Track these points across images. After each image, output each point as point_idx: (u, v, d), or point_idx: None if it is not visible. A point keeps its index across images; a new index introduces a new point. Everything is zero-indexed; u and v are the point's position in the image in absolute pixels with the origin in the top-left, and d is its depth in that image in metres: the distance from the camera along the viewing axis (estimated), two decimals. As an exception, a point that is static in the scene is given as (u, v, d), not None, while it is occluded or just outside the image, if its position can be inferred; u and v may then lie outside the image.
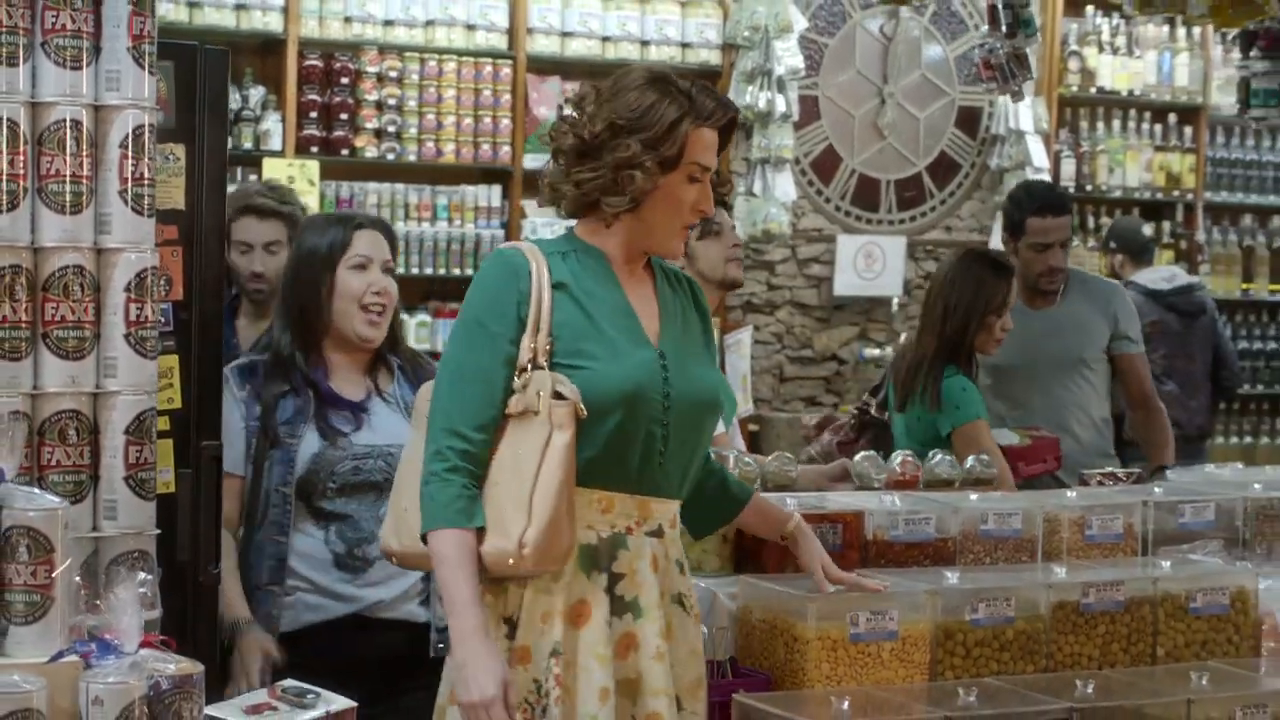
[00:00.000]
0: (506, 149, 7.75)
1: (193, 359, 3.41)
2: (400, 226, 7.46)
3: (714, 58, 8.18)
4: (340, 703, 3.09)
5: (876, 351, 8.87)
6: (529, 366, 3.18)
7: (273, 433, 3.97)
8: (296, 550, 3.96)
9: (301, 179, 7.15)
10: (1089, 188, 9.25)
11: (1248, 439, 9.96)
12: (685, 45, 8.13)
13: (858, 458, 4.60)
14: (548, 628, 3.19)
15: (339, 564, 3.97)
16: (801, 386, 8.84)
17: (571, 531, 3.18)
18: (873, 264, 8.75)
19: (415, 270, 7.52)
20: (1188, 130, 9.56)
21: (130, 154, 3.04)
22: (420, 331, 7.47)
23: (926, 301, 5.42)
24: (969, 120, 9.04)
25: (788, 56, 8.15)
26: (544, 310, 3.21)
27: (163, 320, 3.30)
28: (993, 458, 4.91)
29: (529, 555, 3.14)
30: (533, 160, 7.80)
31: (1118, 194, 9.30)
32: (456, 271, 7.58)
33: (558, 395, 3.16)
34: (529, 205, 7.84)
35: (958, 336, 5.23)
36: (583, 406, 3.16)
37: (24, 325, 2.98)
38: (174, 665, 2.83)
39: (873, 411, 5.42)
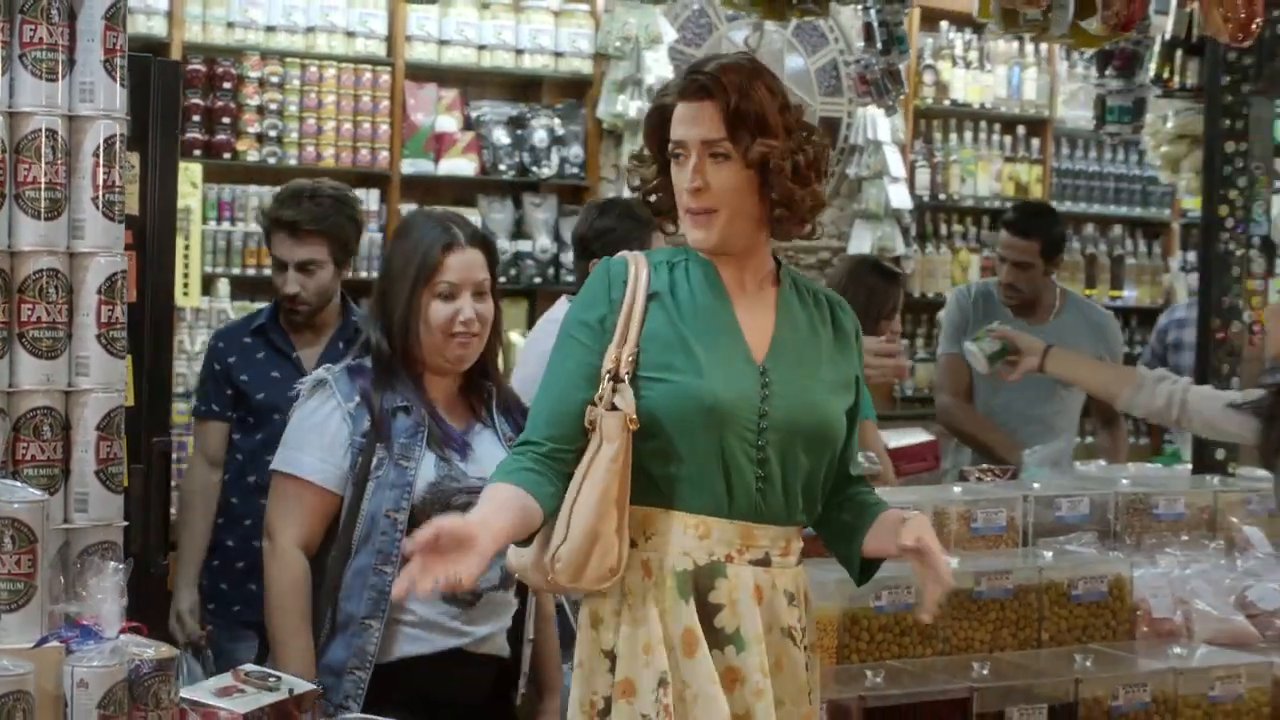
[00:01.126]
0: (385, 154, 7.85)
1: (144, 359, 3.51)
2: (281, 229, 7.57)
3: (585, 67, 8.35)
4: (302, 686, 3.25)
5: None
6: (607, 378, 3.06)
7: (389, 451, 3.66)
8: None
9: (184, 182, 7.20)
10: (942, 196, 9.55)
11: (1089, 439, 10.33)
12: (558, 54, 8.27)
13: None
14: (652, 659, 3.04)
15: (447, 597, 3.61)
16: (668, 388, 9.01)
17: (619, 550, 3.03)
18: (736, 269, 8.98)
19: (295, 272, 7.61)
20: (1035, 142, 9.89)
21: (102, 162, 3.14)
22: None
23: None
24: (828, 130, 9.25)
25: (657, 66, 8.32)
26: (634, 320, 3.09)
27: (121, 321, 3.41)
28: (879, 456, 5.18)
29: (560, 570, 3.02)
30: (410, 165, 7.93)
31: (969, 203, 9.61)
32: (335, 273, 7.67)
33: (612, 407, 3.04)
34: (406, 209, 7.95)
35: None
36: (635, 418, 3.02)
37: (1, 326, 3.08)
38: (153, 650, 2.97)
39: None
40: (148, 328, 3.58)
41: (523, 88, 8.45)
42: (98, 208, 3.16)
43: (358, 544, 3.65)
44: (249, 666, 3.28)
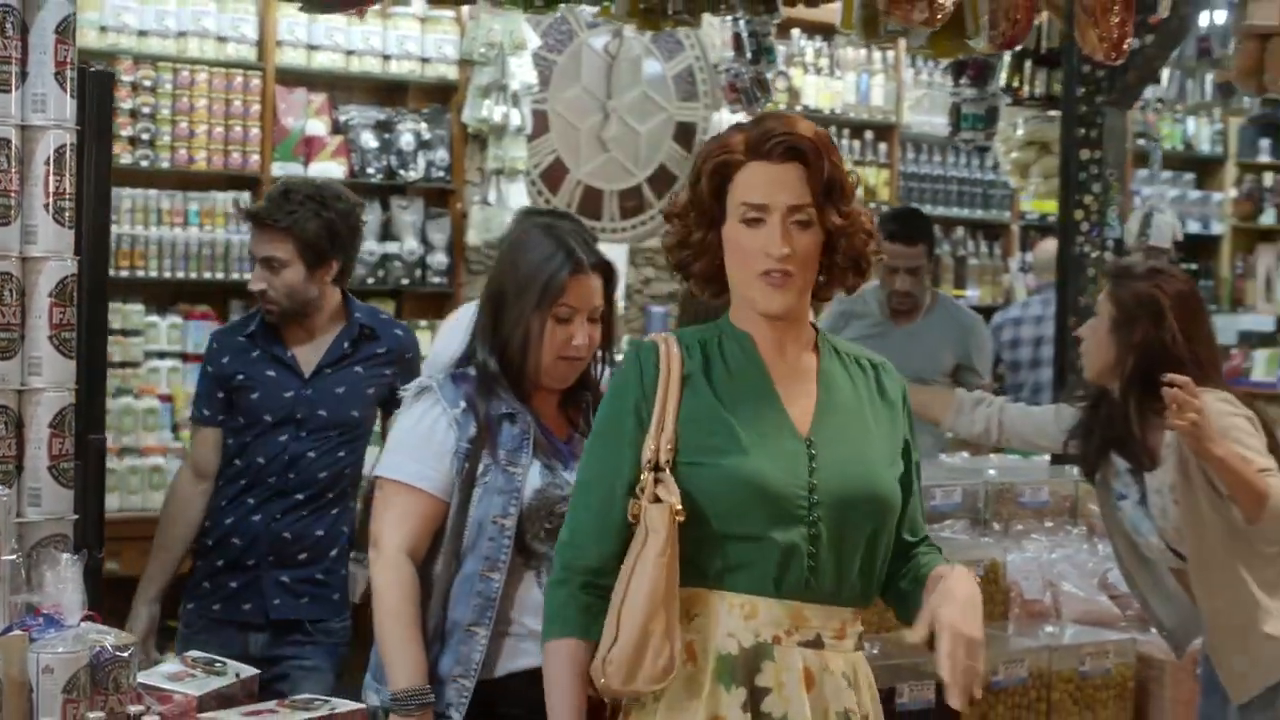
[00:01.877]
0: (255, 157, 7.91)
1: (80, 359, 3.59)
2: (153, 231, 7.61)
3: (451, 73, 8.48)
4: (247, 671, 3.40)
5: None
6: (648, 467, 2.95)
7: (494, 457, 3.60)
8: (505, 590, 3.58)
9: (58, 184, 7.26)
10: (794, 200, 9.79)
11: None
12: (425, 60, 8.40)
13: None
14: None
15: None
16: (531, 387, 9.19)
17: (671, 650, 2.89)
18: (597, 270, 9.17)
19: (168, 274, 7.66)
20: (882, 146, 10.17)
21: (54, 170, 3.27)
22: (171, 334, 7.64)
23: (683, 308, 5.86)
24: (685, 134, 9.51)
25: (521, 72, 8.48)
26: (670, 406, 2.98)
27: (60, 323, 3.51)
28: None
29: (613, 674, 2.90)
30: (280, 168, 8.00)
31: (820, 206, 9.87)
32: (208, 275, 7.72)
33: (656, 499, 2.92)
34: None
35: None
36: (681, 510, 2.89)
37: (-41, 329, 3.21)
38: (113, 636, 3.10)
39: None
40: (82, 329, 3.66)
41: (389, 92, 8.56)
42: (49, 214, 3.28)
43: (465, 551, 3.60)
44: (195, 653, 3.43)
